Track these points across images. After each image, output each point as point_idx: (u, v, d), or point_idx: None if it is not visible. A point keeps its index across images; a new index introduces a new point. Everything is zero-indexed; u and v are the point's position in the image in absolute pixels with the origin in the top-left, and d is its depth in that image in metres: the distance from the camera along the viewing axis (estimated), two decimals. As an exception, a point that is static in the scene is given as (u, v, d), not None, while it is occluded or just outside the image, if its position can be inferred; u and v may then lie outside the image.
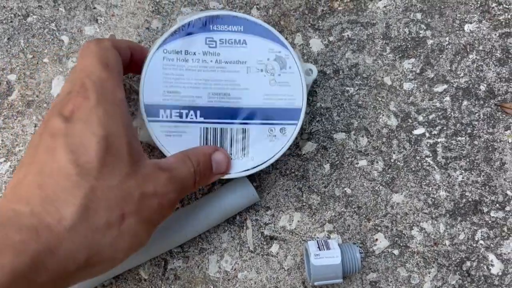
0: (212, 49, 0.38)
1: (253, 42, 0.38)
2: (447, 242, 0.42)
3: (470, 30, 0.46)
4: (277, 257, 0.41)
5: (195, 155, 0.35)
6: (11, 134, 0.43)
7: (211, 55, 0.38)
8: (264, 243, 0.42)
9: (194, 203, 0.40)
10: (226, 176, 0.37)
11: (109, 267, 0.29)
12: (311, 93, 0.45)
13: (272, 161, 0.38)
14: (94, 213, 0.27)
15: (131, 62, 0.38)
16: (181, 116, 0.37)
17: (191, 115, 0.37)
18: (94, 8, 0.46)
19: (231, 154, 0.38)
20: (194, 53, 0.38)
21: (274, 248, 0.41)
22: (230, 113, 0.38)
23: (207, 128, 0.37)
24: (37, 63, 0.45)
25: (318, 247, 0.38)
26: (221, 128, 0.38)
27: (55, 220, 0.26)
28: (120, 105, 0.31)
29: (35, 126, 0.43)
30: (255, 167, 0.37)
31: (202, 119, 0.37)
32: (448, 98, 0.45)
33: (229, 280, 0.41)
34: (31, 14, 0.46)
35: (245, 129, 0.38)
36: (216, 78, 0.38)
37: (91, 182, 0.27)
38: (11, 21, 0.46)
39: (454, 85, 0.45)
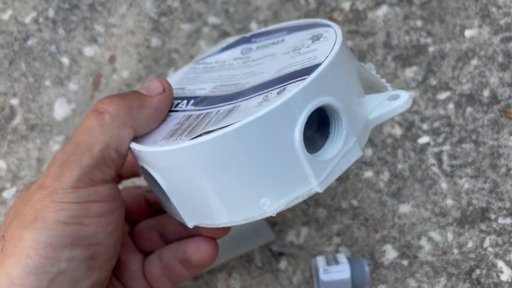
0: (244, 55, 0.32)
1: (292, 37, 0.30)
2: (456, 251, 0.42)
3: (471, 35, 0.46)
4: (286, 272, 0.41)
5: None
6: (16, 159, 0.43)
7: (241, 59, 0.31)
8: (272, 259, 0.42)
9: None
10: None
11: None
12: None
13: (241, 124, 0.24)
14: None
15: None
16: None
17: (181, 105, 0.29)
18: (93, 28, 0.46)
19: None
20: (224, 62, 0.32)
21: (283, 263, 0.42)
22: (228, 98, 0.27)
23: (190, 114, 0.27)
24: (39, 86, 0.45)
25: (327, 262, 0.38)
26: (206, 112, 0.27)
27: None
28: None
29: (39, 150, 0.43)
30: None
31: (191, 108, 0.28)
32: (451, 105, 0.44)
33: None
34: (31, 37, 0.46)
35: (234, 106, 0.26)
36: (233, 73, 0.30)
37: None
38: (12, 45, 0.46)
39: (457, 92, 0.45)
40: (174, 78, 0.32)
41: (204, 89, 0.29)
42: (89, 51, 0.46)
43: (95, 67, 0.45)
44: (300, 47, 0.28)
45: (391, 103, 0.26)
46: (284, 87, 0.24)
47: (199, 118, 0.26)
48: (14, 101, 0.45)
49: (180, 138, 0.25)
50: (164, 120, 0.28)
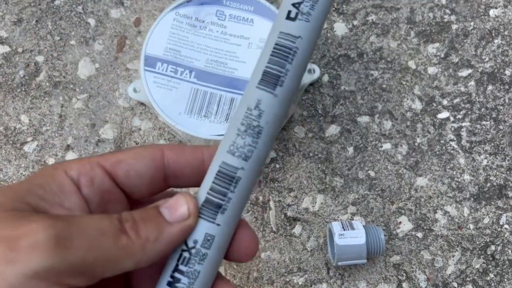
0: (220, 21, 0.40)
1: (259, 22, 0.40)
2: (471, 226, 0.42)
3: (495, 15, 0.46)
4: (300, 238, 0.41)
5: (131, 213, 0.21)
6: (39, 114, 0.44)
7: (218, 26, 0.40)
8: (287, 224, 0.42)
9: None
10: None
11: None
12: (335, 76, 0.45)
13: None
14: None
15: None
16: (175, 72, 0.39)
17: (186, 74, 0.39)
18: (120, -9, 0.47)
19: (215, 117, 0.38)
20: (203, 21, 0.40)
21: (297, 229, 0.42)
22: (223, 81, 0.39)
23: (197, 89, 0.39)
24: (64, 45, 0.45)
25: (343, 227, 0.38)
26: (210, 92, 0.39)
27: None
28: None
29: (62, 107, 0.44)
30: None
31: (195, 80, 0.39)
32: (472, 83, 0.44)
33: (252, 260, 0.41)
34: (59, -3, 0.47)
35: (233, 98, 0.39)
36: (217, 47, 0.40)
37: None
38: (39, 4, 0.46)
39: (479, 70, 0.45)
40: (163, 31, 0.40)
41: (199, 60, 0.39)
42: (115, 13, 0.46)
43: (120, 29, 0.46)
44: None
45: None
46: None
47: (207, 98, 0.39)
48: (39, 58, 0.45)
49: (200, 117, 0.38)
50: (175, 87, 0.39)
